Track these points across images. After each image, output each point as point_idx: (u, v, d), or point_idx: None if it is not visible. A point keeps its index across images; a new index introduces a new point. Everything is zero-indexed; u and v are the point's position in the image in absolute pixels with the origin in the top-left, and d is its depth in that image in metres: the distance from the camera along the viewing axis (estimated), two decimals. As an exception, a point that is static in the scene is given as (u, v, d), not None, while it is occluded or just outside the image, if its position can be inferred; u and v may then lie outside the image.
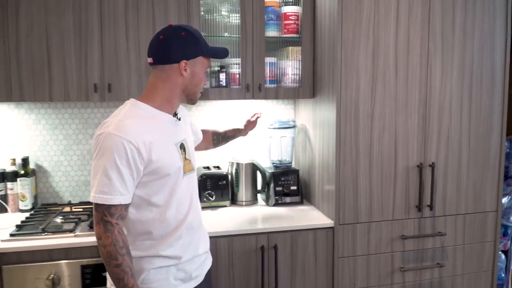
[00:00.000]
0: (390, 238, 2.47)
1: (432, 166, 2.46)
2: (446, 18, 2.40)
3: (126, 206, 1.59)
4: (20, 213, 2.58)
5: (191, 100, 1.75)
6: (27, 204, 2.59)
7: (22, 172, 2.59)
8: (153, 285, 1.68)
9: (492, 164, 2.57)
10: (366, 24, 2.31)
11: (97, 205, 1.54)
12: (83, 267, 2.12)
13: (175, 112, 1.76)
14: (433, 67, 2.42)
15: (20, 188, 2.58)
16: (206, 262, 1.90)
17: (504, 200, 2.95)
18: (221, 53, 1.79)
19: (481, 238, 2.60)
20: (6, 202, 2.60)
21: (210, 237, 2.19)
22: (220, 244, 2.28)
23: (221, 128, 2.50)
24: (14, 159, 2.62)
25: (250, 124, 2.52)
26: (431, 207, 2.48)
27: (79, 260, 2.12)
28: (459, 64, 2.46)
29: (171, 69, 1.65)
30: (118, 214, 1.55)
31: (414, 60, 2.39)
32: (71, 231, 2.19)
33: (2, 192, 2.60)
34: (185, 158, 1.75)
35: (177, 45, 1.63)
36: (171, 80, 1.66)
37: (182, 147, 1.74)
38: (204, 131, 2.33)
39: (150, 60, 1.67)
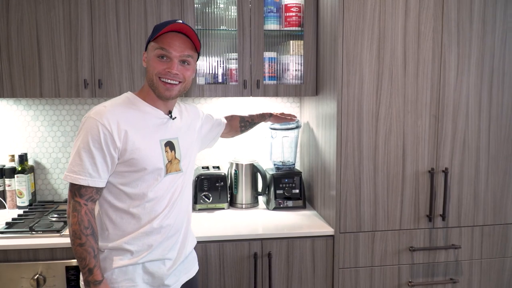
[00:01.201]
0: (397, 249, 2.26)
1: (446, 172, 2.22)
2: (463, 7, 2.16)
3: (98, 190, 1.60)
4: (17, 209, 2.55)
5: (153, 91, 1.66)
6: (24, 200, 2.56)
7: (20, 168, 2.56)
8: (116, 285, 1.64)
9: (515, 171, 2.31)
10: (370, 14, 2.11)
11: (70, 184, 1.57)
12: (68, 268, 2.06)
13: (170, 111, 1.73)
14: (447, 62, 2.18)
15: (17, 184, 2.55)
16: (183, 271, 1.79)
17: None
18: (160, 25, 1.62)
19: (501, 252, 2.34)
20: (4, 198, 2.58)
21: (200, 242, 2.12)
22: (210, 249, 2.15)
23: (247, 114, 2.41)
24: (13, 156, 2.60)
25: (280, 118, 2.43)
26: (443, 217, 2.25)
27: (64, 261, 2.06)
28: (477, 59, 2.20)
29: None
30: (88, 196, 1.57)
31: (425, 54, 2.16)
32: (58, 231, 2.14)
33: (1, 188, 2.58)
34: (174, 157, 1.70)
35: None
36: (147, 75, 1.69)
37: (169, 144, 1.69)
38: (231, 118, 2.30)
39: None
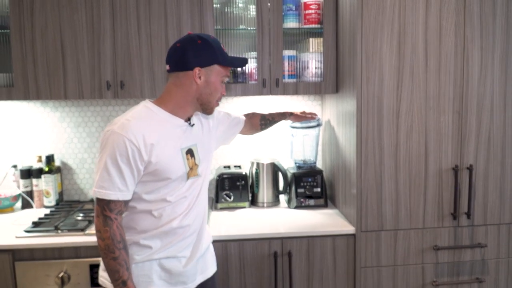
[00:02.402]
0: (421, 248, 2.21)
1: (470, 169, 2.16)
2: (485, 0, 2.10)
3: (126, 202, 1.62)
4: (44, 209, 2.61)
5: (205, 109, 1.73)
6: (51, 200, 2.62)
7: (46, 169, 2.61)
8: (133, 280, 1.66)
9: (544, 167, 2.23)
10: (390, 9, 2.07)
11: (98, 199, 1.58)
12: (92, 266, 2.09)
13: (189, 118, 1.74)
14: (470, 57, 2.12)
15: (45, 184, 2.61)
16: (199, 270, 1.81)
17: None
18: (238, 62, 1.75)
19: (530, 252, 2.26)
20: (31, 198, 2.64)
21: (219, 241, 2.13)
22: (230, 248, 2.15)
23: (268, 112, 2.40)
24: (40, 156, 2.66)
25: (300, 117, 2.42)
26: (468, 215, 2.19)
27: (88, 259, 2.10)
28: (502, 53, 2.14)
29: (185, 76, 1.65)
30: (117, 210, 1.59)
31: (448, 48, 2.11)
32: (82, 229, 2.17)
33: (28, 189, 2.64)
34: (194, 164, 1.73)
35: (192, 53, 1.63)
36: (185, 87, 1.66)
37: (190, 152, 1.72)
38: (252, 116, 2.31)
39: (167, 67, 1.69)
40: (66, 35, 2.29)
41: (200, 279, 1.81)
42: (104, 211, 1.57)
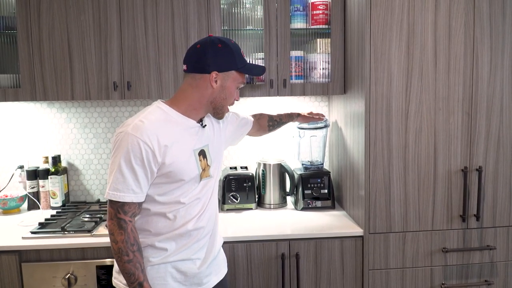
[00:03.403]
0: (429, 250, 2.18)
1: (479, 170, 2.14)
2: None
3: (140, 204, 1.61)
4: (51, 210, 2.60)
5: (217, 113, 1.72)
6: (57, 201, 2.61)
7: (53, 170, 2.60)
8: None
9: (554, 169, 2.20)
10: (399, 9, 2.05)
11: (111, 201, 1.57)
12: (99, 268, 2.08)
13: (201, 119, 1.73)
14: (480, 57, 2.10)
15: (51, 185, 2.60)
16: (213, 271, 1.80)
17: None
18: (257, 71, 1.75)
19: (540, 254, 2.24)
20: (38, 199, 2.63)
21: (227, 242, 2.11)
22: (238, 250, 2.14)
23: (276, 113, 2.39)
24: (46, 157, 2.65)
25: (308, 118, 2.42)
26: (477, 217, 2.16)
27: (94, 260, 2.09)
28: (511, 53, 2.11)
29: (202, 78, 1.64)
30: (132, 212, 1.58)
31: (457, 49, 2.09)
32: (89, 231, 2.16)
33: (35, 189, 2.63)
34: (207, 165, 1.72)
35: (211, 56, 1.62)
36: (200, 90, 1.65)
37: (202, 153, 1.71)
38: (260, 117, 2.29)
39: (184, 67, 1.68)
40: (73, 36, 2.28)
41: (215, 281, 1.80)
42: (118, 214, 1.56)
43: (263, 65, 2.32)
